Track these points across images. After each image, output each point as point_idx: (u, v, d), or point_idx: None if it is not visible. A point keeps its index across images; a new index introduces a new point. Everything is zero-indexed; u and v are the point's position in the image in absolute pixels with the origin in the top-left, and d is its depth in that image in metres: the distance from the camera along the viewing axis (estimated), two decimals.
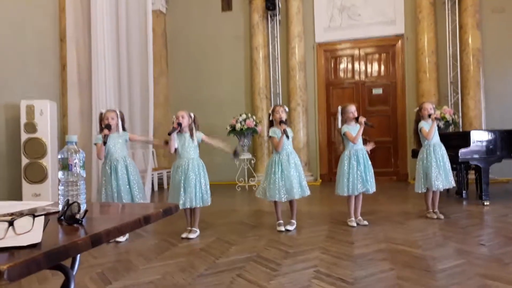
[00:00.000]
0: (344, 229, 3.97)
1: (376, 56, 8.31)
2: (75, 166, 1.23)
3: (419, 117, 4.43)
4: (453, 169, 5.01)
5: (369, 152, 4.24)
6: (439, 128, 4.49)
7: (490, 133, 5.02)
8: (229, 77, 8.70)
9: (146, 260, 3.13)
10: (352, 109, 4.15)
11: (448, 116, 6.76)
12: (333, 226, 4.12)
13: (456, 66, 7.55)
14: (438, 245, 3.28)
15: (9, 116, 5.53)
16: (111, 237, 1.10)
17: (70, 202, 1.15)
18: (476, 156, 4.91)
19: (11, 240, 0.87)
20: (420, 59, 7.63)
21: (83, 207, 1.20)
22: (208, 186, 3.90)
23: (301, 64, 8.13)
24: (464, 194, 5.66)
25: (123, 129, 3.91)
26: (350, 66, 8.41)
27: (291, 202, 4.06)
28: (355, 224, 4.08)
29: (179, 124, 3.77)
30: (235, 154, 3.95)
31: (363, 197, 4.28)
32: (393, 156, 8.11)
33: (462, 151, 4.86)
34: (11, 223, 0.92)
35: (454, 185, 4.46)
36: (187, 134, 3.85)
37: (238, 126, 7.28)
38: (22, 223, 0.94)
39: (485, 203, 4.92)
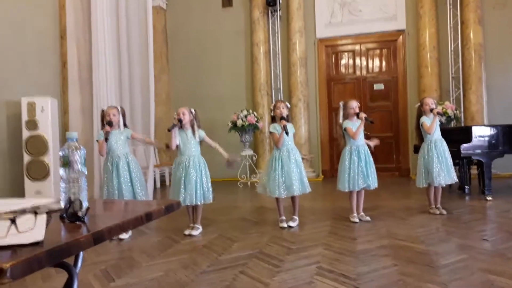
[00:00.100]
0: (347, 225, 3.97)
1: (378, 51, 8.29)
2: (76, 163, 1.22)
3: (420, 113, 4.42)
4: (455, 164, 5.01)
5: (372, 149, 4.23)
6: (441, 123, 4.47)
7: (492, 128, 5.00)
8: (230, 73, 8.68)
9: (149, 257, 3.13)
10: (354, 104, 4.14)
11: (450, 111, 6.74)
12: (335, 222, 4.12)
13: (457, 61, 7.52)
14: (441, 241, 3.27)
15: (10, 114, 5.53)
16: (113, 235, 1.10)
17: (72, 199, 1.15)
18: (478, 151, 4.90)
19: (14, 238, 0.87)
20: (421, 54, 7.60)
21: (85, 204, 1.20)
22: (210, 183, 3.89)
23: (302, 60, 8.11)
24: (466, 189, 5.65)
25: (125, 125, 3.90)
26: (351, 61, 8.38)
27: (293, 199, 4.06)
28: (357, 220, 4.07)
29: (180, 121, 3.76)
30: (229, 164, 3.92)
31: (365, 193, 4.28)
32: (395, 152, 8.09)
33: (464, 146, 4.85)
34: (13, 221, 0.91)
35: (457, 180, 4.45)
36: (189, 131, 3.84)
37: (239, 122, 7.27)
38: (24, 221, 0.93)
39: (488, 198, 4.92)
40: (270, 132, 4.04)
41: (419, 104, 4.49)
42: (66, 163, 1.22)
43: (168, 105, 8.82)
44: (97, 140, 3.92)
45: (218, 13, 8.80)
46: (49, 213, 1.17)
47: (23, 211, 1.06)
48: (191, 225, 3.92)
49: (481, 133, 4.92)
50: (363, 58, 8.31)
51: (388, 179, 7.36)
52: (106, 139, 3.68)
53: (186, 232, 3.83)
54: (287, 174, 3.90)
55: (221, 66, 8.72)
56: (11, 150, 5.51)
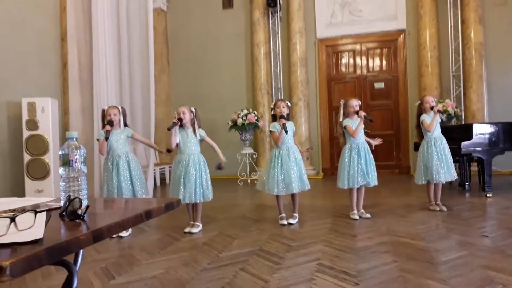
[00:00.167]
0: (347, 222, 3.97)
1: (378, 51, 8.29)
2: (76, 162, 1.23)
3: (420, 111, 4.43)
4: (455, 161, 5.01)
5: (372, 147, 4.23)
6: (441, 121, 4.48)
7: (493, 125, 5.01)
8: (231, 74, 8.70)
9: (149, 255, 3.14)
10: (354, 103, 4.14)
11: (450, 109, 6.74)
12: (335, 219, 4.12)
13: (458, 60, 7.52)
14: (441, 237, 3.28)
15: (11, 114, 5.54)
16: (113, 232, 1.10)
17: (72, 197, 1.15)
18: (478, 148, 4.90)
19: (13, 236, 0.87)
20: (422, 54, 7.60)
21: (85, 203, 1.20)
22: (209, 182, 3.90)
23: (303, 60, 8.12)
24: (466, 186, 5.66)
25: (125, 125, 3.91)
26: (351, 61, 8.39)
27: (293, 196, 4.07)
28: (357, 217, 4.08)
29: (180, 120, 3.76)
30: (219, 166, 3.96)
31: (366, 190, 4.29)
32: (395, 150, 8.11)
33: (464, 143, 4.86)
34: (13, 219, 0.92)
35: (457, 177, 4.45)
36: (189, 130, 3.85)
37: (239, 121, 7.28)
38: (24, 219, 0.94)
39: (488, 195, 4.92)
40: (270, 131, 4.05)
41: (419, 102, 4.49)
42: (66, 162, 1.22)
43: (168, 105, 8.83)
44: (97, 139, 3.93)
45: (218, 15, 8.81)
46: (49, 211, 1.18)
47: (23, 210, 1.06)
48: (191, 222, 3.93)
49: (481, 131, 4.93)
50: (364, 58, 8.31)
51: (388, 176, 7.37)
52: (107, 138, 3.69)
53: (186, 230, 3.84)
54: (286, 172, 3.91)
55: (222, 67, 8.73)
56: (11, 150, 5.52)
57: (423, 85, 7.56)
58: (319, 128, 8.36)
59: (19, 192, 5.42)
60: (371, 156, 4.16)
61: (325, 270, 2.57)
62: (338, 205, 4.86)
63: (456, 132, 5.23)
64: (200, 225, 3.93)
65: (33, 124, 5.37)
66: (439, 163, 4.25)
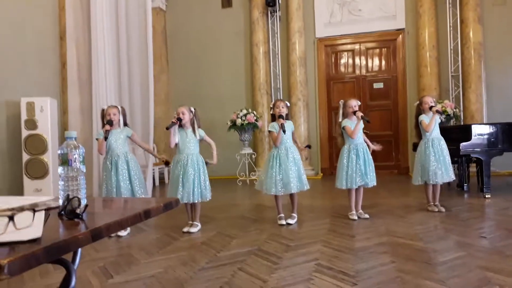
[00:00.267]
0: (345, 222, 3.98)
1: (377, 50, 8.29)
2: (75, 161, 1.23)
3: (419, 111, 4.43)
4: (454, 162, 5.01)
5: (371, 150, 4.24)
6: (440, 122, 4.48)
7: (492, 126, 5.01)
8: (230, 74, 8.69)
9: (147, 254, 3.15)
10: (353, 103, 4.14)
11: (449, 110, 6.75)
12: (334, 219, 4.13)
13: (457, 60, 7.53)
14: (439, 238, 3.28)
15: (9, 114, 5.54)
16: (111, 232, 1.10)
17: (71, 197, 1.16)
18: (477, 149, 4.91)
19: (12, 234, 0.87)
20: (421, 53, 7.61)
21: (84, 202, 1.21)
22: (208, 182, 3.90)
23: (302, 60, 8.12)
24: (465, 187, 5.67)
25: (125, 124, 3.92)
26: (350, 60, 8.39)
27: (291, 196, 4.07)
28: (356, 218, 4.08)
29: (179, 119, 3.77)
30: (206, 163, 4.00)
31: (364, 191, 4.29)
32: (394, 150, 8.11)
33: (463, 144, 4.86)
34: (11, 218, 0.92)
35: (454, 178, 4.45)
36: (189, 130, 3.85)
37: (238, 121, 7.28)
38: (22, 218, 0.94)
39: (486, 196, 4.93)
40: (269, 131, 4.05)
41: (418, 102, 4.50)
42: (65, 161, 1.22)
43: (167, 105, 8.83)
44: (96, 139, 3.93)
45: (217, 14, 8.80)
46: (48, 210, 1.18)
47: (21, 208, 1.07)
48: (190, 222, 3.93)
49: (480, 131, 4.93)
50: (363, 57, 8.32)
51: (387, 177, 7.38)
52: (106, 138, 3.70)
53: (185, 230, 3.84)
54: (284, 172, 3.91)
55: (221, 67, 8.73)
56: (10, 150, 5.52)
57: (422, 85, 7.56)
58: (318, 128, 8.36)
59: (18, 191, 5.42)
60: (370, 156, 4.17)
61: (323, 270, 2.57)
62: (337, 205, 4.86)
63: (455, 133, 5.23)
64: (199, 224, 3.93)
65: (32, 123, 5.37)
66: (436, 164, 4.25)
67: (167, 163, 3.95)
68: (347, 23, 8.23)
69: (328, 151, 8.36)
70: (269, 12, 8.37)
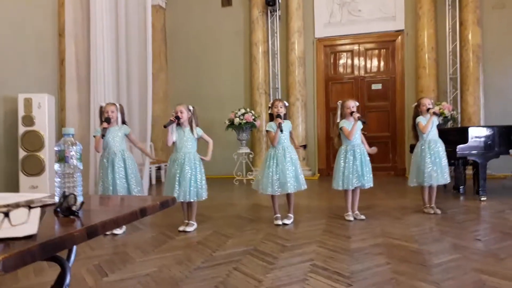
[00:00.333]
0: (341, 223, 3.98)
1: (376, 51, 8.31)
2: (71, 158, 1.23)
3: (417, 113, 4.44)
4: (451, 164, 5.02)
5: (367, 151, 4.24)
6: (438, 124, 4.49)
7: (488, 129, 5.02)
8: (229, 73, 8.69)
9: (143, 252, 3.14)
10: (351, 104, 4.14)
11: (447, 112, 6.77)
12: (330, 220, 4.13)
13: (455, 62, 7.55)
14: (434, 240, 3.29)
15: (7, 110, 5.52)
16: (107, 229, 1.10)
17: (67, 194, 1.15)
18: (474, 152, 4.92)
19: (7, 231, 0.87)
20: (419, 55, 7.62)
21: (80, 199, 1.20)
22: (204, 181, 3.89)
23: (301, 60, 8.12)
24: (461, 190, 5.68)
25: (123, 122, 3.91)
26: (349, 61, 8.40)
27: (288, 196, 4.07)
28: (352, 219, 4.09)
29: (177, 118, 3.76)
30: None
31: (361, 192, 4.30)
32: (391, 151, 8.12)
33: (459, 147, 4.87)
34: (6, 214, 0.92)
35: (449, 181, 4.46)
36: (187, 129, 3.85)
37: (236, 120, 7.28)
38: (18, 215, 0.93)
39: (482, 199, 4.94)
40: (267, 131, 4.05)
41: (416, 104, 4.51)
42: (62, 158, 1.22)
43: (165, 103, 8.82)
44: (94, 136, 3.92)
45: (217, 13, 8.80)
46: (43, 207, 1.18)
47: (17, 205, 1.06)
48: (186, 221, 3.93)
49: (477, 134, 4.95)
50: (362, 58, 8.33)
51: (383, 178, 7.40)
52: (103, 136, 3.69)
53: (181, 229, 3.83)
54: (281, 172, 3.91)
55: (220, 65, 8.73)
56: (7, 146, 5.50)
57: (420, 87, 7.58)
58: (316, 128, 8.37)
59: (14, 188, 5.40)
60: (367, 158, 4.17)
61: (319, 271, 2.57)
62: (333, 206, 4.87)
63: (452, 135, 5.24)
64: (195, 224, 3.93)
65: (29, 120, 5.35)
66: (432, 166, 4.26)
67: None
68: (346, 24, 8.24)
69: (326, 151, 8.37)
70: (268, 12, 8.37)
